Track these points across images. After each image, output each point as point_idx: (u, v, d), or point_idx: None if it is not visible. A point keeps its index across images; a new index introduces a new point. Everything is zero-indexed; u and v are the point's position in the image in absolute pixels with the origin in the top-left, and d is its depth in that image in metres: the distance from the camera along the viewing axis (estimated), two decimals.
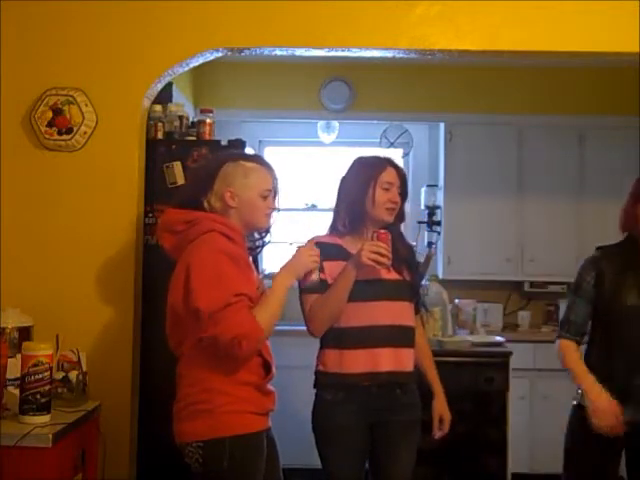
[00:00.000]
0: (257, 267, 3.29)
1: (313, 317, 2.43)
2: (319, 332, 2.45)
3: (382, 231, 2.39)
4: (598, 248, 2.58)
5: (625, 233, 2.56)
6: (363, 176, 2.49)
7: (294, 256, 2.27)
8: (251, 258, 2.36)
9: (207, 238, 2.16)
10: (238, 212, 2.25)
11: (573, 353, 2.51)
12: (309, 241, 2.35)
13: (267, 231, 2.34)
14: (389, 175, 2.48)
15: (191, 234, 2.19)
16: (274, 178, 2.34)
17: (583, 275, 2.53)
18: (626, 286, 2.44)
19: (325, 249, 2.46)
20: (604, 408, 2.37)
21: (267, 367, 2.23)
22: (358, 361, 2.41)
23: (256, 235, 2.40)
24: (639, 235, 2.49)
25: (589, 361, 2.52)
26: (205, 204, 2.26)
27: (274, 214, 2.34)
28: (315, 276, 2.31)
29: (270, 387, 2.27)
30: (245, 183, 2.25)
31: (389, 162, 2.53)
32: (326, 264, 2.43)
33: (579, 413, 2.49)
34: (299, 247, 2.29)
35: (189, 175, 2.95)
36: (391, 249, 2.39)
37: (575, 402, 2.55)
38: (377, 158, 2.56)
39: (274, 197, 2.34)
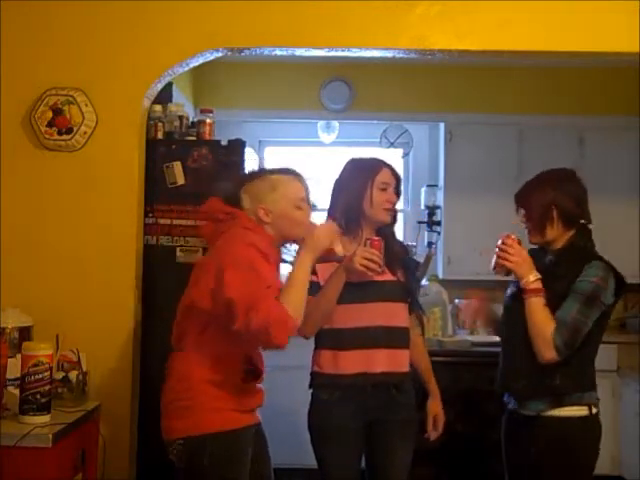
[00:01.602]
0: None
1: (304, 319, 2.43)
2: (309, 334, 2.46)
3: (375, 238, 2.41)
4: None
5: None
6: (360, 177, 2.51)
7: (311, 235, 2.22)
8: None
9: (241, 232, 2.16)
10: (274, 227, 2.24)
11: None
12: (323, 221, 2.34)
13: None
14: (385, 176, 2.50)
15: (228, 225, 2.20)
16: (305, 188, 2.32)
17: None
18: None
19: None
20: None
21: (257, 374, 2.24)
22: (353, 362, 2.42)
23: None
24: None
25: None
26: None
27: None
28: (338, 248, 2.29)
29: (258, 386, 2.28)
30: (275, 197, 2.24)
31: (383, 163, 2.55)
32: (319, 266, 2.44)
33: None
34: (314, 225, 2.25)
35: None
36: (386, 250, 2.42)
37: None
38: (372, 159, 2.58)
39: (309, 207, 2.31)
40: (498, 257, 2.41)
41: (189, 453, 2.14)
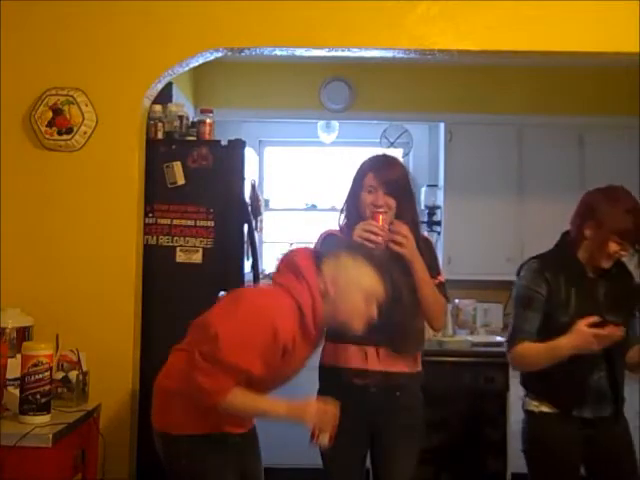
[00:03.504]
0: (257, 270, 3.28)
1: None
2: None
3: (379, 210, 2.41)
4: (533, 258, 2.61)
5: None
6: (354, 179, 2.53)
7: (301, 405, 2.10)
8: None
9: (281, 303, 2.07)
10: (334, 301, 2.14)
11: (532, 344, 2.49)
12: (323, 407, 2.12)
13: None
14: (369, 180, 2.48)
15: (283, 279, 2.13)
16: (380, 289, 2.17)
17: (534, 288, 2.53)
18: (571, 296, 2.47)
19: (336, 241, 2.49)
20: (583, 338, 2.36)
21: None
22: (349, 356, 2.42)
23: None
24: (577, 248, 2.53)
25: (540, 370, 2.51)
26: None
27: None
28: (323, 440, 2.08)
29: None
30: (350, 275, 2.15)
31: (371, 167, 2.51)
32: None
33: (531, 421, 2.56)
34: (309, 401, 2.13)
35: None
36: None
37: (528, 409, 2.57)
38: (366, 161, 2.56)
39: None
40: None
41: (166, 450, 2.17)
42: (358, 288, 2.15)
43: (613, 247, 2.46)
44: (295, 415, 2.10)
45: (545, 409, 2.52)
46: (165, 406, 2.19)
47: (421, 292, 2.43)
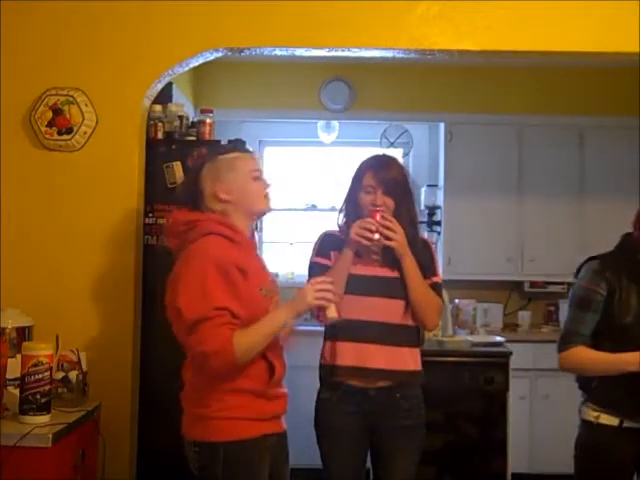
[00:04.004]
0: None
1: None
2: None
3: (376, 208, 2.43)
4: (593, 258, 2.51)
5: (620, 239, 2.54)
6: (353, 179, 2.55)
7: (297, 293, 2.15)
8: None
9: (202, 243, 2.13)
10: (237, 204, 2.22)
11: (592, 351, 2.42)
12: (318, 280, 2.19)
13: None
14: (368, 179, 2.49)
15: (191, 236, 2.17)
16: (257, 160, 2.34)
17: (593, 288, 2.42)
18: (632, 296, 2.40)
19: (335, 241, 2.51)
20: None
21: (272, 370, 2.17)
22: (348, 354, 2.43)
23: None
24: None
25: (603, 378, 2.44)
26: (205, 210, 2.24)
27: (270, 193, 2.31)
28: (331, 313, 2.14)
29: (279, 390, 2.22)
30: (231, 175, 2.23)
31: (370, 167, 2.51)
32: (334, 254, 2.49)
33: (587, 430, 2.47)
34: (305, 284, 2.18)
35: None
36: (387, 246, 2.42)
37: (585, 418, 2.48)
38: (365, 160, 2.57)
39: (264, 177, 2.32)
40: None
41: (203, 461, 2.12)
42: (243, 175, 2.23)
43: None
44: (297, 307, 2.14)
45: (603, 421, 2.41)
46: (196, 414, 2.14)
47: (410, 287, 2.45)
